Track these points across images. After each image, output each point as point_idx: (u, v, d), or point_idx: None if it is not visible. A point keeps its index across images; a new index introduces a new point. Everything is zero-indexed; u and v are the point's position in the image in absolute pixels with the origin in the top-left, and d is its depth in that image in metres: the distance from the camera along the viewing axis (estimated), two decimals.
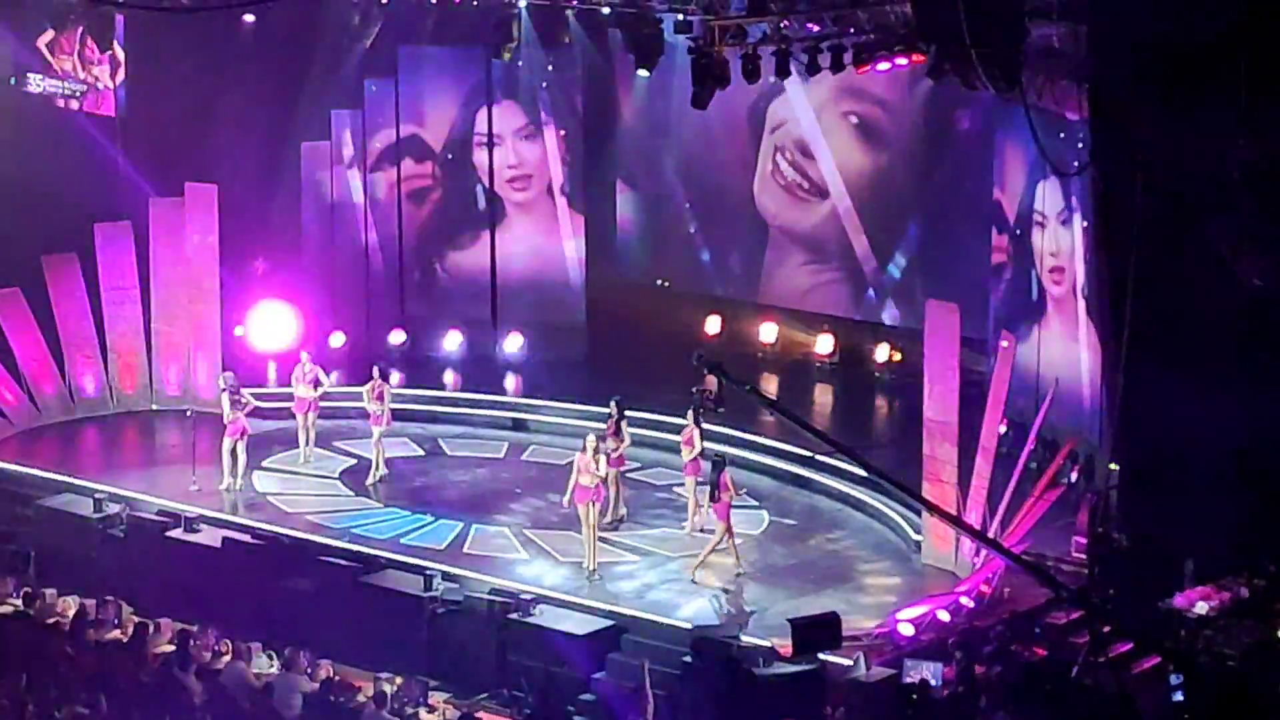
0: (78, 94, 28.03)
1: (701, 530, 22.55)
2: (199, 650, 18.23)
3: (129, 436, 26.84)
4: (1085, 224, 22.40)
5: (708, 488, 21.33)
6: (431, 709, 17.93)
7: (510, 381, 28.86)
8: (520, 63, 28.62)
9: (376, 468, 24.35)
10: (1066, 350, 23.42)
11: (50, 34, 27.49)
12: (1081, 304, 22.93)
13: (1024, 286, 24.92)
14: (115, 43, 27.19)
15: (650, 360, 27.94)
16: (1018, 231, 25.00)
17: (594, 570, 21.18)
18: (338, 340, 29.42)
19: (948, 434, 21.10)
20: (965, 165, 27.29)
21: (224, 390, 24.05)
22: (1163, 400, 19.51)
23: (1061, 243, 23.49)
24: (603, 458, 21.53)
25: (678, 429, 23.18)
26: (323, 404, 25.66)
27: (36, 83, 26.14)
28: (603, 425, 22.98)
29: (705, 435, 22.49)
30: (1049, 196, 23.62)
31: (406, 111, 29.74)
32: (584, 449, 21.39)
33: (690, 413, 22.30)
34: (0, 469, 24.63)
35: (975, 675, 17.94)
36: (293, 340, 27.93)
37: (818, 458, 23.84)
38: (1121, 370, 19.81)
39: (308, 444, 24.88)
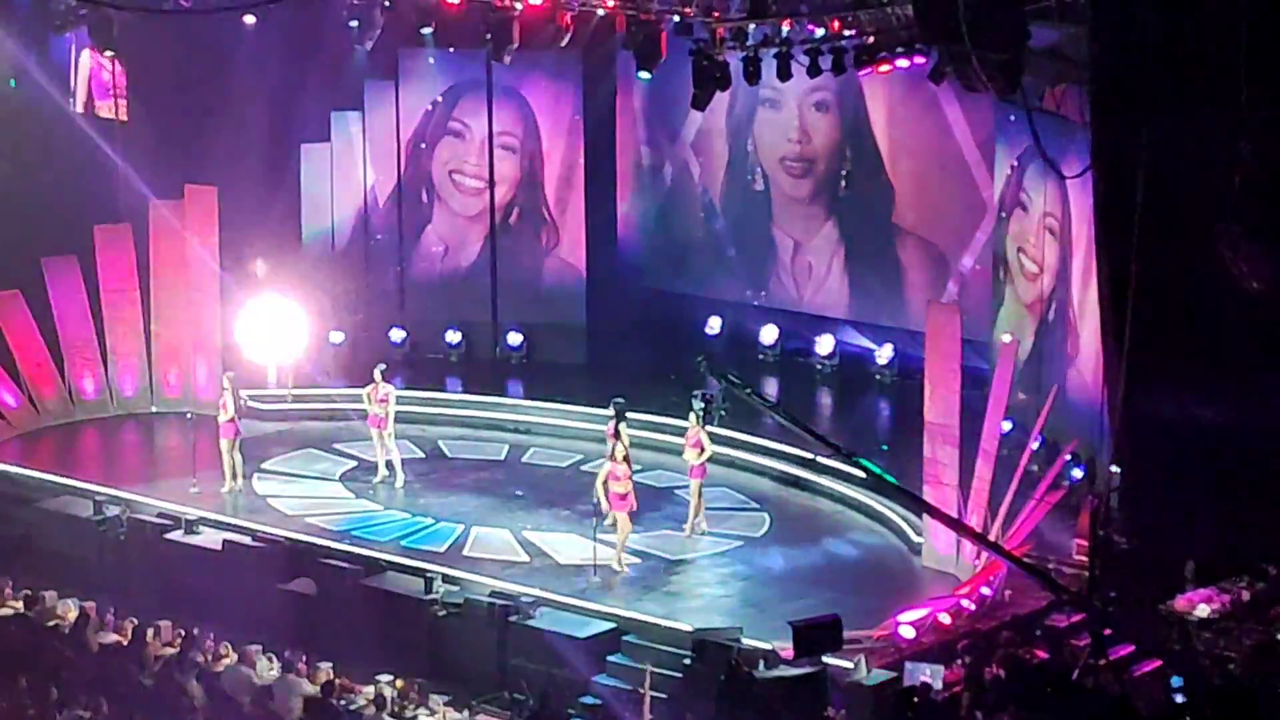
0: (79, 96, 28.06)
1: (702, 533, 22.59)
2: (200, 653, 18.22)
3: (129, 439, 26.87)
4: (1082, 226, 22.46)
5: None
6: (432, 711, 17.90)
7: (511, 384, 28.88)
8: (520, 65, 28.57)
9: (381, 469, 24.36)
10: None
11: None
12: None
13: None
14: (114, 44, 27.16)
15: (651, 362, 27.98)
16: (1001, 215, 25.18)
17: (624, 570, 21.23)
18: (337, 340, 29.49)
19: (948, 436, 21.10)
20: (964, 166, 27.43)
21: (227, 389, 24.05)
22: (1164, 403, 19.48)
23: (1048, 247, 23.64)
24: (626, 464, 21.48)
25: (678, 430, 23.18)
26: (321, 405, 25.66)
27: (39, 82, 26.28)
28: (603, 428, 23.02)
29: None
30: (1049, 193, 23.66)
31: (406, 113, 29.77)
32: (613, 456, 21.39)
33: (693, 415, 22.29)
34: (0, 471, 24.63)
35: (976, 678, 17.91)
36: (294, 342, 27.99)
37: (819, 460, 23.87)
38: (1122, 372, 19.77)
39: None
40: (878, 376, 28.80)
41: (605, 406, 23.36)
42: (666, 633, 19.61)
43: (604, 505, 21.48)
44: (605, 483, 21.48)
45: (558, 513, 23.25)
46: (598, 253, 30.54)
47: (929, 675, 17.98)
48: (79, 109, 27.96)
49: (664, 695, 18.38)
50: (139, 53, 27.60)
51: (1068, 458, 22.05)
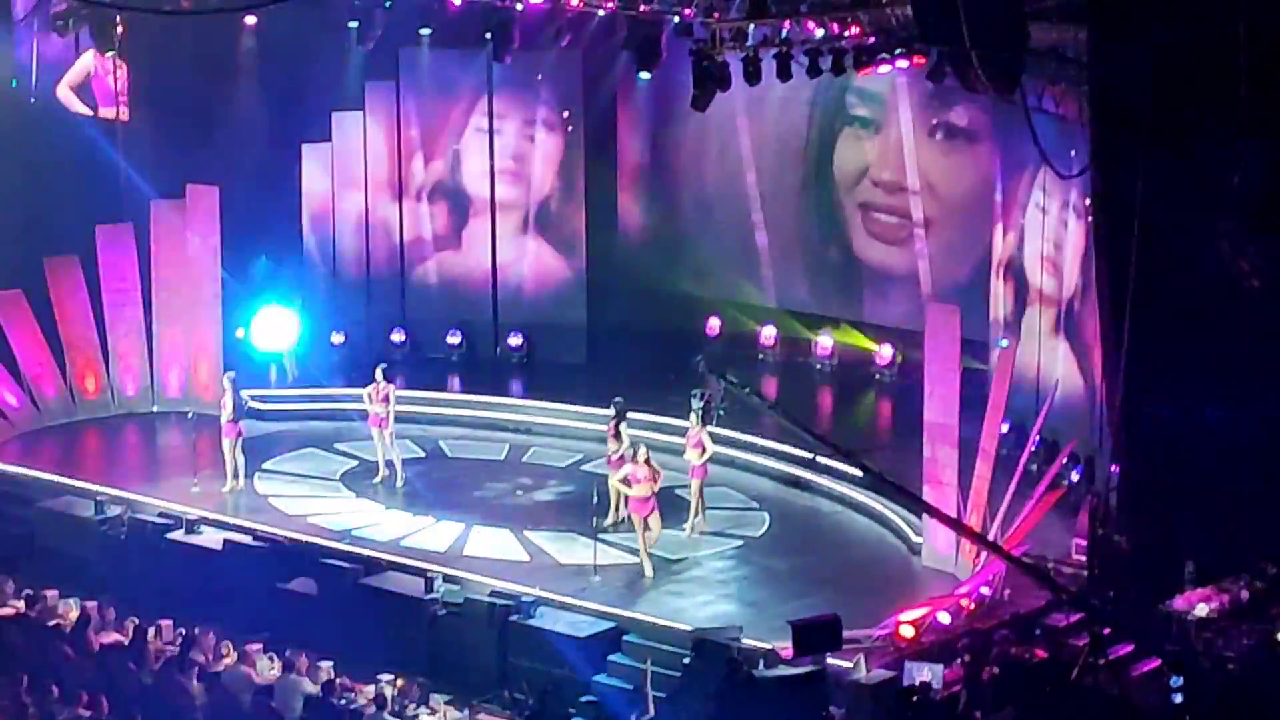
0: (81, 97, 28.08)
1: (702, 533, 22.60)
2: (200, 652, 18.24)
3: (130, 438, 26.86)
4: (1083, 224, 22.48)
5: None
6: (432, 711, 17.92)
7: (511, 384, 28.91)
8: (520, 65, 28.61)
9: (381, 469, 24.36)
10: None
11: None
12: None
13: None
14: (116, 45, 27.19)
15: (651, 362, 28.00)
16: (1001, 215, 25.28)
17: (650, 577, 21.17)
18: (337, 340, 29.53)
19: (948, 436, 21.11)
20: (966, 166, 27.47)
21: (228, 389, 24.05)
22: (1163, 402, 19.50)
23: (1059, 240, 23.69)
24: (647, 467, 21.36)
25: (678, 430, 23.20)
26: (321, 405, 25.58)
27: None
28: (603, 428, 23.03)
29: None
30: (1049, 188, 23.70)
31: (406, 113, 29.79)
32: (634, 459, 21.37)
33: (693, 415, 22.31)
34: (1, 471, 24.65)
35: (976, 677, 17.93)
36: (294, 342, 28.08)
37: (819, 459, 23.88)
38: (1122, 372, 19.79)
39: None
40: (878, 376, 28.82)
41: (605, 406, 23.40)
42: (666, 633, 19.63)
43: (620, 500, 21.40)
44: (624, 482, 21.45)
45: (558, 512, 23.25)
46: (598, 253, 30.54)
47: (928, 675, 17.99)
48: (79, 108, 27.92)
49: (664, 695, 18.42)
50: (140, 53, 27.61)
51: (1066, 458, 22.06)
